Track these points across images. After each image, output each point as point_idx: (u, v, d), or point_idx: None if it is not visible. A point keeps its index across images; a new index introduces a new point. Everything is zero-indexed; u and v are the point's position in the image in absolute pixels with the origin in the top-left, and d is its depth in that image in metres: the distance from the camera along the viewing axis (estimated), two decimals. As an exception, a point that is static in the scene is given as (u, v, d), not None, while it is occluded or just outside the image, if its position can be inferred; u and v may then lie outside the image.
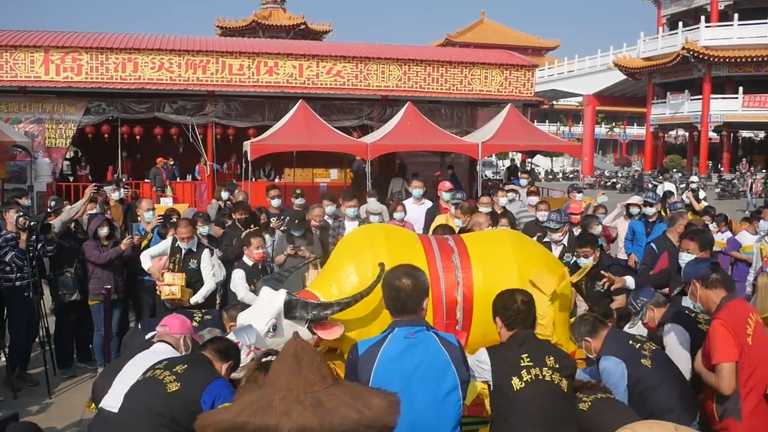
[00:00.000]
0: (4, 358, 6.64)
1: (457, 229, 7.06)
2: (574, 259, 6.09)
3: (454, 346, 2.83)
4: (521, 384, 3.11)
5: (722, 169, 37.42)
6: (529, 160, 25.23)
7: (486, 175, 22.67)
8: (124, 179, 12.90)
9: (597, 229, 7.28)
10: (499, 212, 8.12)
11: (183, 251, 6.48)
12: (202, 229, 7.20)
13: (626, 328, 4.94)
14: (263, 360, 2.74)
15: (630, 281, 5.64)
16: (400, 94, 17.12)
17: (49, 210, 6.99)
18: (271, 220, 8.09)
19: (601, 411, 3.40)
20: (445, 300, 4.09)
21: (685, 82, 36.80)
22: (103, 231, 6.88)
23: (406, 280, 2.81)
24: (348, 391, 1.63)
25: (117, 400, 3.56)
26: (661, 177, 28.08)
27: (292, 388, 1.57)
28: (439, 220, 7.76)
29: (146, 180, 15.76)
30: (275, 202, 8.60)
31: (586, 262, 5.73)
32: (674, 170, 36.13)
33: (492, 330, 4.18)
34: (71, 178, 17.12)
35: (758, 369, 3.63)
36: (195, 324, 4.54)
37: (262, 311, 3.85)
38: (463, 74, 17.72)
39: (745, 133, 45.95)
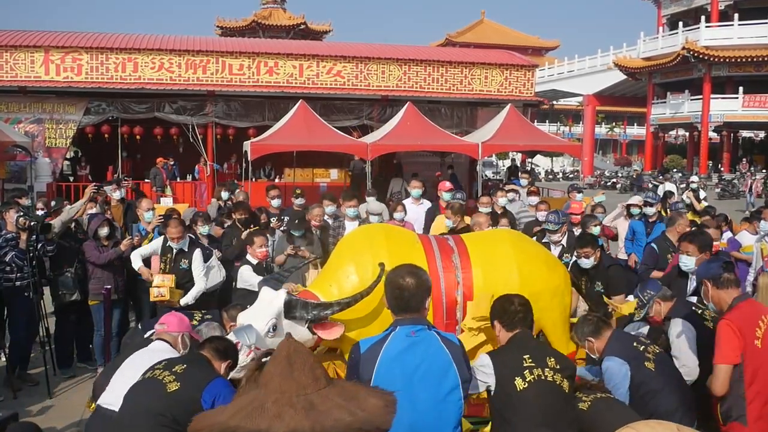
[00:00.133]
0: (4, 358, 6.64)
1: (447, 230, 7.06)
2: (574, 259, 6.09)
3: (455, 346, 2.84)
4: (524, 384, 3.13)
5: (722, 169, 37.42)
6: (529, 160, 25.25)
7: (486, 175, 22.68)
8: (124, 179, 12.89)
9: (596, 230, 7.28)
10: (499, 212, 8.12)
11: (174, 251, 6.42)
12: (202, 229, 7.19)
13: (631, 328, 4.95)
14: (263, 360, 2.74)
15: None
16: (400, 94, 17.13)
17: (39, 210, 6.90)
18: (271, 220, 8.09)
19: (601, 411, 3.40)
20: (445, 300, 4.09)
21: (685, 82, 36.80)
22: (103, 231, 6.87)
23: (409, 279, 2.82)
24: (342, 392, 1.62)
25: (114, 397, 3.56)
26: (661, 177, 28.08)
27: (285, 390, 1.56)
28: (439, 220, 7.75)
29: (146, 180, 15.76)
30: (275, 202, 8.60)
31: (587, 263, 5.72)
32: (674, 170, 36.12)
33: (492, 330, 4.19)
34: (71, 178, 17.13)
35: (766, 372, 3.56)
36: (195, 323, 4.54)
37: (262, 311, 3.85)
38: (463, 74, 17.72)
39: (745, 133, 45.96)
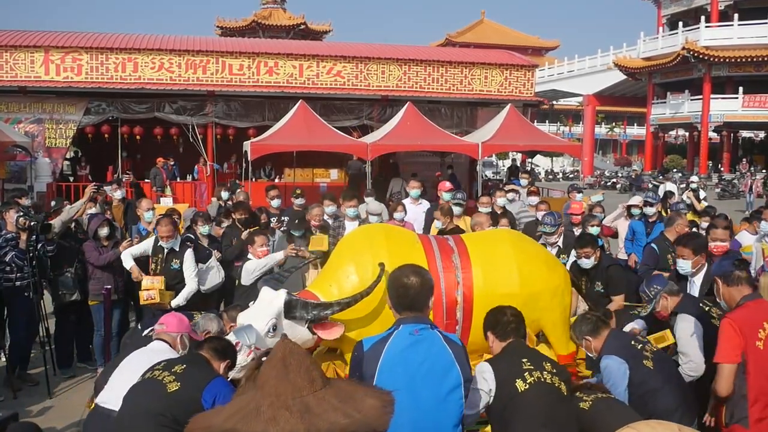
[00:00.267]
0: (4, 358, 6.64)
1: (436, 231, 7.05)
2: (573, 259, 6.09)
3: (457, 346, 2.86)
4: (525, 386, 3.16)
5: (722, 169, 37.43)
6: (529, 160, 25.26)
7: (486, 175, 22.67)
8: (125, 178, 12.90)
9: (595, 230, 7.27)
10: (498, 212, 8.12)
11: (165, 251, 6.36)
12: (202, 229, 7.18)
13: (635, 327, 4.95)
14: (263, 359, 2.74)
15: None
16: (400, 94, 17.13)
17: (30, 209, 6.82)
18: (271, 220, 8.09)
19: (601, 410, 3.40)
20: (445, 300, 4.09)
21: (685, 82, 36.80)
22: (103, 231, 6.87)
23: (414, 278, 2.84)
24: (338, 393, 1.60)
25: (112, 396, 3.57)
26: (661, 177, 28.07)
27: (280, 393, 1.55)
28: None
29: (146, 180, 15.76)
30: (275, 203, 8.60)
31: (588, 263, 5.72)
32: (674, 170, 36.12)
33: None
34: (71, 178, 17.13)
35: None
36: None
37: (262, 311, 3.85)
38: (463, 74, 17.72)
39: (745, 133, 45.96)
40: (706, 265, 5.24)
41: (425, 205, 8.85)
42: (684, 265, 5.16)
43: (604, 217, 8.76)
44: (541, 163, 47.78)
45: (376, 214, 7.69)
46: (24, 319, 6.45)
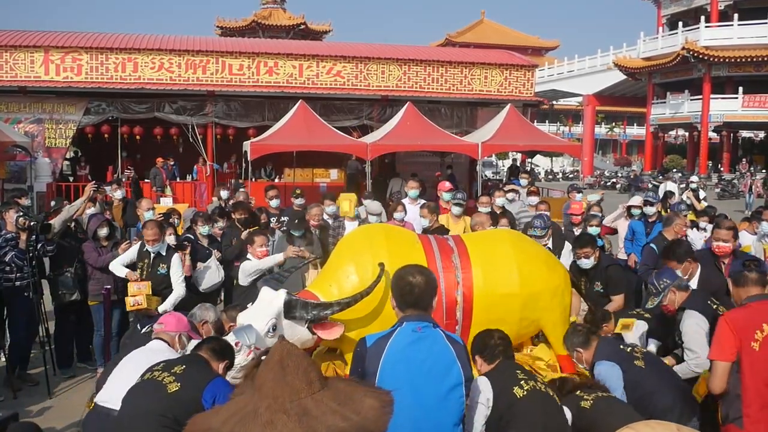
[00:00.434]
0: (4, 358, 6.63)
1: (421, 229, 7.04)
2: (570, 259, 6.09)
3: (459, 345, 2.89)
4: (523, 392, 3.22)
5: (722, 169, 37.42)
6: (529, 160, 25.25)
7: (486, 175, 22.67)
8: (126, 174, 12.91)
9: (594, 230, 7.26)
10: (498, 212, 8.12)
11: (151, 255, 6.18)
12: (202, 229, 7.18)
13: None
14: (263, 358, 2.74)
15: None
16: (400, 94, 17.13)
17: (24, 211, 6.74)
18: (271, 220, 8.09)
19: (602, 410, 3.41)
20: (445, 300, 4.08)
21: (685, 82, 36.80)
22: (103, 232, 6.86)
23: (419, 276, 2.89)
24: (337, 395, 1.59)
25: (111, 395, 3.57)
26: (661, 177, 28.06)
27: (278, 396, 1.54)
28: (439, 220, 7.75)
29: (146, 180, 15.76)
30: (273, 203, 8.61)
31: (587, 263, 5.72)
32: (674, 170, 36.11)
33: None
34: (71, 178, 17.13)
35: (765, 376, 3.50)
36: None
37: (261, 311, 3.84)
38: (463, 74, 17.73)
39: (745, 133, 45.95)
40: (699, 267, 5.25)
41: (424, 205, 8.84)
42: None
43: (603, 217, 8.76)
44: (541, 163, 47.77)
45: (376, 214, 7.69)
46: (24, 319, 6.45)
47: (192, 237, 7.17)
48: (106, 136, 16.16)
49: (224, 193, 9.87)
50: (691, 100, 36.28)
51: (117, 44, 15.90)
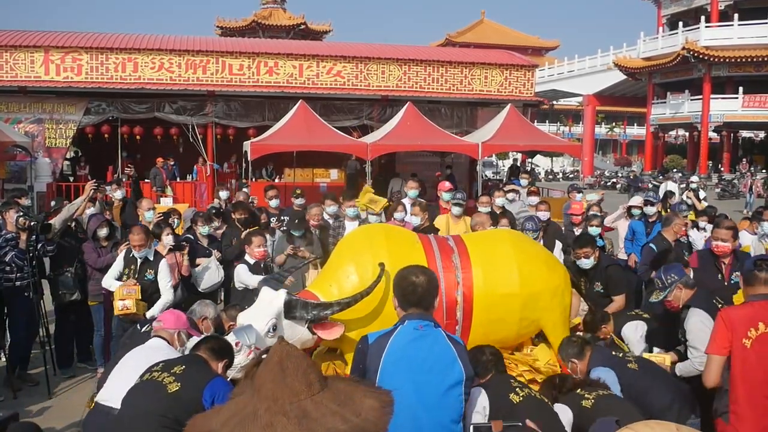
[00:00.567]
0: (4, 358, 6.64)
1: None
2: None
3: (460, 345, 2.93)
4: (519, 398, 3.27)
5: (722, 169, 37.41)
6: (529, 160, 25.26)
7: (486, 175, 22.67)
8: (126, 172, 12.91)
9: (594, 230, 7.25)
10: (498, 212, 8.12)
11: (138, 261, 6.08)
12: (202, 229, 7.18)
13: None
14: (263, 357, 2.74)
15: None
16: (400, 94, 17.13)
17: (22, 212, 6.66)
18: (271, 220, 8.09)
19: (602, 409, 3.42)
20: (445, 300, 4.08)
21: (685, 82, 36.79)
22: (102, 232, 6.85)
23: (422, 276, 2.93)
24: (336, 396, 1.58)
25: (111, 394, 3.57)
26: (661, 177, 28.05)
27: (278, 398, 1.53)
28: (440, 220, 7.75)
29: (146, 180, 15.76)
30: (273, 203, 8.61)
31: (587, 263, 5.72)
32: (674, 170, 36.10)
33: (492, 330, 4.19)
34: (71, 178, 17.13)
35: (754, 374, 3.53)
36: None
37: (262, 311, 3.84)
38: (463, 74, 17.73)
39: (745, 133, 45.94)
40: (691, 271, 5.26)
41: (424, 205, 8.84)
42: None
43: (603, 217, 8.75)
44: (541, 163, 47.77)
45: (376, 214, 7.69)
46: (24, 319, 6.44)
47: (192, 237, 7.17)
48: (106, 136, 16.16)
49: (224, 194, 9.86)
50: (692, 100, 36.26)
51: (117, 44, 15.90)
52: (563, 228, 8.43)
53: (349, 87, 17.01)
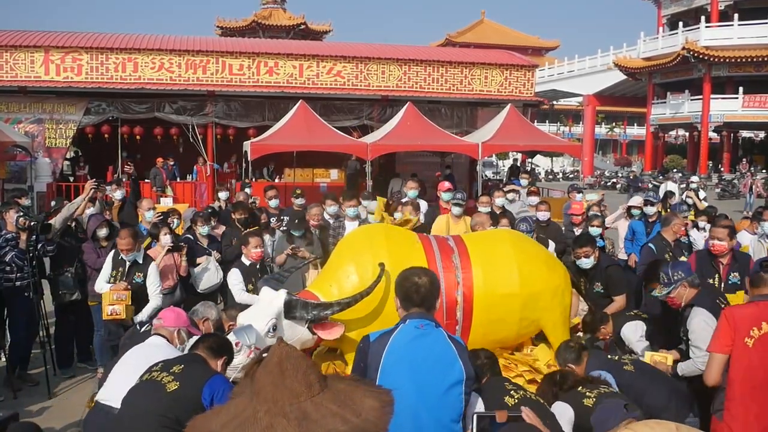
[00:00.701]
0: (4, 358, 6.64)
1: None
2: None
3: (461, 345, 2.95)
4: (514, 401, 3.25)
5: (722, 169, 37.41)
6: (529, 160, 25.25)
7: (486, 175, 22.67)
8: (125, 178, 12.91)
9: (595, 230, 7.25)
10: (498, 213, 8.12)
11: (127, 264, 6.00)
12: (202, 229, 7.18)
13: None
14: (264, 355, 2.74)
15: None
16: (400, 94, 17.13)
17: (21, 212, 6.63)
18: (271, 220, 8.10)
19: None
20: (445, 300, 4.08)
21: (685, 82, 36.78)
22: (102, 232, 6.84)
23: (424, 277, 2.97)
24: (336, 396, 1.58)
25: (112, 393, 3.57)
26: (662, 177, 28.05)
27: (277, 399, 1.52)
28: (440, 220, 7.75)
29: (146, 180, 15.76)
30: (273, 203, 8.61)
31: (587, 263, 5.71)
32: (674, 170, 36.10)
33: (492, 330, 4.19)
34: (71, 178, 17.13)
35: (754, 374, 3.54)
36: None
37: (262, 311, 3.85)
38: (463, 74, 17.73)
39: (745, 133, 45.93)
40: None
41: (423, 205, 8.84)
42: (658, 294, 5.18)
43: (605, 217, 8.75)
44: (541, 163, 47.76)
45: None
46: (24, 319, 6.44)
47: (192, 237, 7.17)
48: (106, 136, 16.16)
49: (223, 195, 9.86)
50: (692, 100, 36.26)
51: (117, 44, 15.90)
52: (563, 228, 8.43)
53: (349, 87, 17.01)
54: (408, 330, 2.89)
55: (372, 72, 17.16)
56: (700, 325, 4.14)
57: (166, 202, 13.73)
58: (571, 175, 45.68)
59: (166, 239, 6.52)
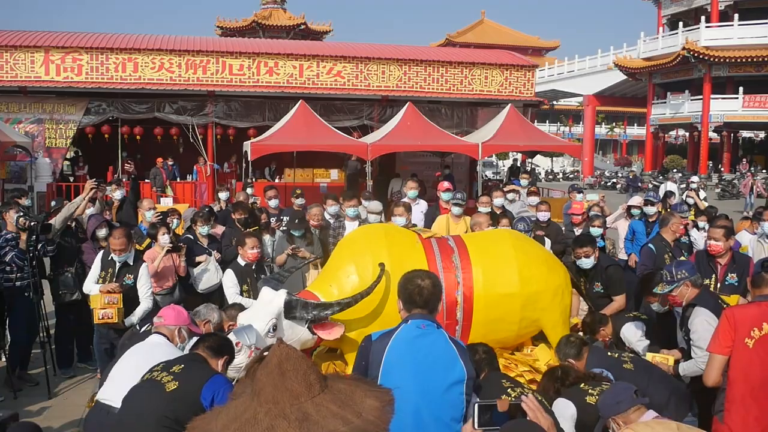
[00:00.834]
0: (4, 358, 6.64)
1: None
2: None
3: (461, 347, 2.98)
4: (511, 399, 3.18)
5: (722, 169, 37.40)
6: (530, 160, 25.22)
7: (486, 176, 22.66)
8: (125, 178, 12.91)
9: (596, 230, 7.25)
10: (498, 213, 8.12)
11: (117, 265, 5.85)
12: (202, 229, 7.17)
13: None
14: (265, 354, 2.73)
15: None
16: (400, 94, 17.13)
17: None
18: (272, 220, 8.10)
19: None
20: (445, 300, 4.08)
21: (686, 82, 36.77)
22: (102, 232, 6.83)
23: (427, 280, 3.00)
24: (337, 397, 1.57)
25: (113, 392, 3.57)
26: (662, 177, 28.03)
27: (278, 401, 1.52)
28: (440, 220, 7.75)
29: (146, 180, 15.76)
30: (272, 203, 8.61)
31: (587, 263, 5.71)
32: (674, 170, 36.08)
33: (492, 330, 4.19)
34: (71, 178, 17.14)
35: (754, 375, 3.53)
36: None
37: (262, 311, 3.85)
38: (463, 74, 17.73)
39: (745, 134, 45.92)
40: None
41: (423, 205, 8.84)
42: (657, 309, 5.17)
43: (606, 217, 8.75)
44: (541, 163, 47.71)
45: (376, 212, 7.69)
46: (24, 319, 6.44)
47: (192, 237, 7.16)
48: (106, 136, 16.16)
49: (223, 195, 9.85)
50: (692, 100, 36.25)
51: (117, 44, 15.90)
52: (563, 228, 8.42)
53: (349, 87, 17.01)
54: (410, 329, 2.92)
55: (372, 72, 17.16)
56: (702, 324, 4.13)
57: (166, 202, 13.73)
58: (571, 176, 45.66)
59: (164, 239, 6.50)
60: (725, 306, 4.32)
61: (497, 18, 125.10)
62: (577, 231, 7.77)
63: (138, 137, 16.24)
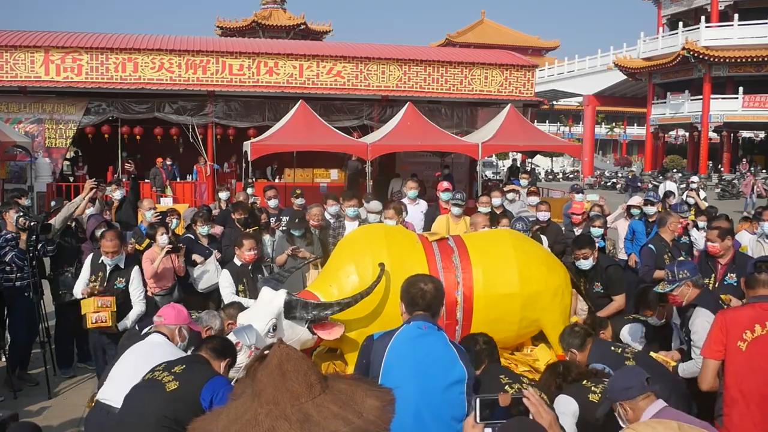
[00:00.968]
0: (4, 358, 6.64)
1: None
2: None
3: (461, 349, 3.03)
4: (512, 393, 3.17)
5: (722, 169, 37.39)
6: (529, 160, 25.22)
7: (486, 176, 22.65)
8: (125, 178, 12.90)
9: (597, 231, 7.24)
10: (498, 213, 8.11)
11: (108, 268, 5.74)
12: (202, 229, 7.17)
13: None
14: (266, 353, 2.73)
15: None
16: (400, 94, 17.12)
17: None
18: (272, 220, 8.10)
19: None
20: (445, 300, 4.08)
21: (685, 83, 36.76)
22: (101, 233, 6.82)
23: (430, 284, 3.05)
24: (338, 397, 1.57)
25: (113, 391, 3.57)
26: (661, 177, 28.02)
27: (279, 401, 1.52)
28: (440, 220, 7.75)
29: (146, 180, 15.76)
30: (272, 203, 8.61)
31: (586, 264, 5.71)
32: (674, 170, 36.07)
33: (492, 330, 4.19)
34: (71, 178, 17.14)
35: (749, 378, 3.51)
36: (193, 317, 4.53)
37: (262, 311, 3.85)
38: (463, 74, 17.72)
39: (745, 134, 45.92)
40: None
41: (423, 205, 8.85)
42: (653, 323, 5.16)
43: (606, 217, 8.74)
44: (541, 163, 47.71)
45: (376, 212, 7.69)
46: (24, 319, 6.44)
47: (192, 237, 7.17)
48: (106, 136, 16.16)
49: (223, 195, 9.85)
50: (692, 100, 36.24)
51: (117, 44, 15.90)
52: (563, 228, 8.42)
53: (349, 87, 17.01)
54: (411, 329, 2.95)
55: (372, 72, 17.16)
56: (703, 325, 4.13)
57: (166, 202, 13.73)
58: (571, 176, 45.65)
59: (162, 239, 6.49)
60: (725, 306, 4.32)
61: (497, 18, 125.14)
62: (577, 231, 7.76)
63: (138, 137, 16.23)
